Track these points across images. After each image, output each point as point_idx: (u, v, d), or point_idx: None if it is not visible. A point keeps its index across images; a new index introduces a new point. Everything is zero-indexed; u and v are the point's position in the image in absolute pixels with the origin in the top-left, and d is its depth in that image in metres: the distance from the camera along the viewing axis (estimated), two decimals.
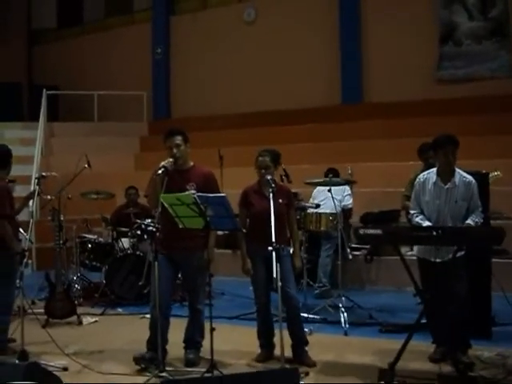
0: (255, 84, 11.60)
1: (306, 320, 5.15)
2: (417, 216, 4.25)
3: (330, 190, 5.56)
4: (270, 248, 3.68)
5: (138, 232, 6.57)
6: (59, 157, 10.54)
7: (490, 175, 5.16)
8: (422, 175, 4.32)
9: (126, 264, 6.41)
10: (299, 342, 4.29)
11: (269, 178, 4.08)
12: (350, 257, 6.03)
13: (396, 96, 10.33)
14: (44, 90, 11.34)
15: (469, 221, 4.11)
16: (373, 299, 6.31)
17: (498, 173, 5.53)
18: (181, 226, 3.81)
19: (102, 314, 5.93)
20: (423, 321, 5.11)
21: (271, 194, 3.97)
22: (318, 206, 5.89)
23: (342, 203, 6.52)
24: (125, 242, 6.67)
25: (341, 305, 5.37)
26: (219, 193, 4.14)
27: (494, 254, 4.98)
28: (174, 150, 4.18)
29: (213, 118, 11.56)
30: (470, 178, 4.18)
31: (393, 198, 7.76)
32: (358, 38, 10.87)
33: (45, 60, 13.57)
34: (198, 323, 4.36)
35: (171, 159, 4.14)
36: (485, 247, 4.61)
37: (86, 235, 6.94)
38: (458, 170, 4.22)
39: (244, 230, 3.60)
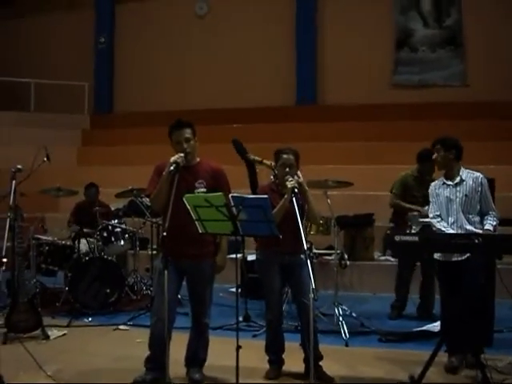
0: (205, 80, 11.16)
1: (297, 329, 4.86)
2: (438, 222, 4.20)
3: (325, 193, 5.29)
4: (302, 256, 3.34)
5: (105, 234, 5.99)
6: None
7: None
8: (433, 184, 4.38)
9: (91, 269, 5.80)
10: (314, 356, 3.97)
11: (293, 182, 3.72)
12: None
13: (350, 99, 10.31)
14: None
15: (487, 226, 4.10)
16: (351, 305, 6.10)
17: None
18: (201, 231, 3.38)
19: (68, 326, 5.29)
20: (420, 328, 5.09)
21: (294, 198, 3.63)
22: None
23: None
24: (86, 245, 6.06)
25: (338, 313, 5.10)
26: (229, 190, 3.75)
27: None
28: (185, 145, 3.72)
29: (158, 114, 10.91)
30: (477, 173, 4.26)
31: (348, 201, 7.60)
32: (314, 39, 10.77)
33: None
34: (203, 339, 3.92)
35: (182, 154, 3.69)
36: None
37: (41, 236, 6.23)
38: (464, 169, 4.27)
39: (280, 236, 3.24)
